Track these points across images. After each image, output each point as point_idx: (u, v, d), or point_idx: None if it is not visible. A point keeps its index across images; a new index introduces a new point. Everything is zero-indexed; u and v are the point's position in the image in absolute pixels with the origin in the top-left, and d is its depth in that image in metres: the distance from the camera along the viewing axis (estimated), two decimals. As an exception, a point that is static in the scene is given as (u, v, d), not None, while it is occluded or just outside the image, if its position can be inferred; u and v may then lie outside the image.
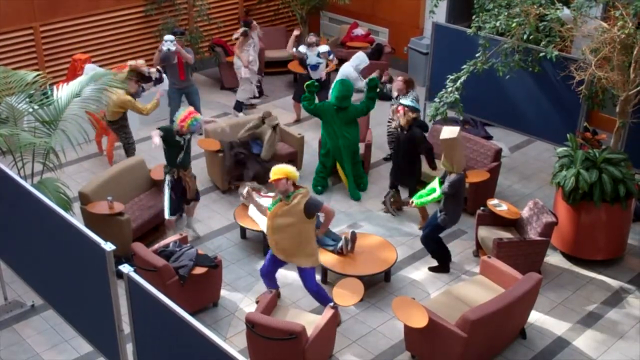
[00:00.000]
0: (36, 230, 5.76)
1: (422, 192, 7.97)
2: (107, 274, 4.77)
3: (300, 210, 6.65)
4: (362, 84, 10.20)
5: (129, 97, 9.32)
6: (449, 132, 7.38)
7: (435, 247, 7.91)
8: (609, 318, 7.37)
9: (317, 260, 7.02)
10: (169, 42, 10.28)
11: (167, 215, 8.16)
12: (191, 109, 8.06)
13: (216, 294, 7.49)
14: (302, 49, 11.24)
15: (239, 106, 11.70)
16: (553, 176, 8.07)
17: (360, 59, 10.67)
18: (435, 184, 7.77)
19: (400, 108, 8.65)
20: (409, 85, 9.35)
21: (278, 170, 6.68)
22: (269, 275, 7.18)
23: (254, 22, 11.74)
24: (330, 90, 9.97)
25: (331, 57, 11.39)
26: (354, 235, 7.86)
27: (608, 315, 7.41)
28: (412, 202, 8.00)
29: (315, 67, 11.13)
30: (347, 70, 10.52)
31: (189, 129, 7.87)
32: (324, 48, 11.14)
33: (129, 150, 9.85)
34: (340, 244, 7.77)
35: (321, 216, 7.25)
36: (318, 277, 7.56)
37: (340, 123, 9.19)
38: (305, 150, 10.08)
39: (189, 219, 8.58)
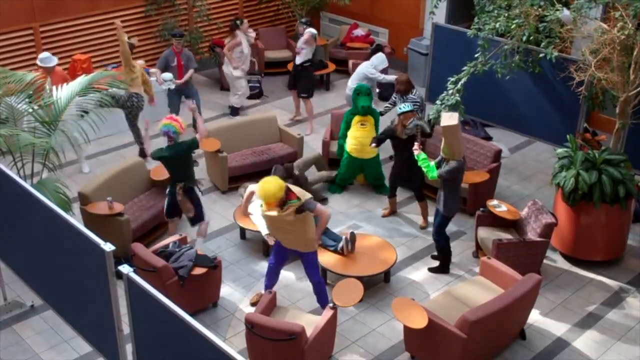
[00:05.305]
0: (36, 231, 5.76)
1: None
2: (106, 275, 4.77)
3: (292, 216, 6.64)
4: (381, 77, 10.53)
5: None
6: (448, 118, 7.23)
7: (445, 244, 7.89)
8: (609, 319, 7.37)
9: (316, 245, 7.05)
10: (169, 82, 10.47)
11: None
12: (173, 115, 7.90)
13: (216, 294, 7.48)
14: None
15: (235, 111, 11.65)
16: (553, 177, 8.07)
17: (380, 59, 10.67)
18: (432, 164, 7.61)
19: (411, 115, 8.40)
20: (407, 86, 9.36)
21: (269, 197, 6.47)
22: (275, 269, 7.17)
23: (245, 22, 11.41)
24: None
25: (307, 32, 10.97)
26: (353, 235, 7.85)
27: (608, 316, 7.41)
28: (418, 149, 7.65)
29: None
30: (368, 69, 10.51)
31: (161, 130, 7.60)
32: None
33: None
34: (340, 244, 7.77)
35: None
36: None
37: None
38: (305, 151, 10.05)
39: (198, 239, 8.17)
